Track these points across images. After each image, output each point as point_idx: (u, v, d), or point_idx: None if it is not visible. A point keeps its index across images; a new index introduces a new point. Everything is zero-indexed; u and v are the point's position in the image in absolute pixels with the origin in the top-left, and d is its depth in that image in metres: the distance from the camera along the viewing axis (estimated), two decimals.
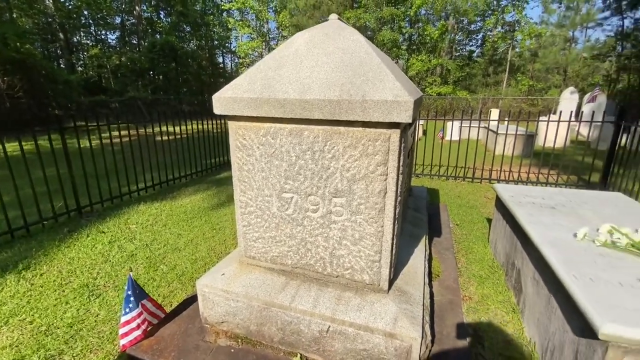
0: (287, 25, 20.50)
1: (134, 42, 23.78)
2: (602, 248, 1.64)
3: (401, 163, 1.31)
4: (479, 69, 21.72)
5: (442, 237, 2.61)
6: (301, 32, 1.51)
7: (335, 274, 1.48)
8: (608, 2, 18.14)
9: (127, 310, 1.57)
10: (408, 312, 1.36)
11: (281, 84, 1.33)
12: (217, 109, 1.42)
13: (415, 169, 5.68)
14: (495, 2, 20.07)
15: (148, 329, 1.65)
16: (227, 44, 28.22)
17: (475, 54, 23.13)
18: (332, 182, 1.35)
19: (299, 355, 1.45)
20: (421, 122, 9.75)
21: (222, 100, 1.39)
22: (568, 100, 10.65)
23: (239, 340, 1.55)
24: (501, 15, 20.26)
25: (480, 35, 22.81)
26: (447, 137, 9.10)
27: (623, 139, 4.11)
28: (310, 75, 1.32)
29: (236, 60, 29.20)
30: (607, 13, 18.47)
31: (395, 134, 1.23)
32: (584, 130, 9.78)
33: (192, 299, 1.93)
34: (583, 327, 1.27)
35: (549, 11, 19.74)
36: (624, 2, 17.36)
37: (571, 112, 5.19)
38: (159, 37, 21.87)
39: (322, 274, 1.50)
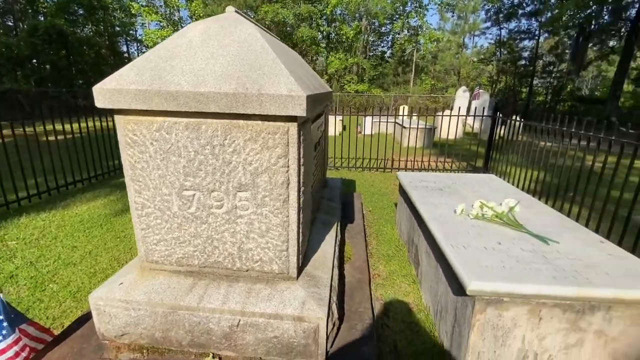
0: (201, 14, 19.25)
1: (10, 23, 19.56)
2: (475, 220, 1.97)
3: (302, 155, 1.37)
4: (390, 69, 23.66)
5: (354, 223, 2.81)
6: (195, 22, 1.45)
7: (245, 268, 1.48)
8: (489, 14, 21.47)
9: (0, 338, 1.33)
10: (316, 295, 1.44)
11: (173, 75, 1.27)
12: (99, 102, 1.28)
13: (335, 162, 5.97)
14: (401, 8, 22.01)
15: (31, 356, 1.43)
16: (131, 31, 25.20)
17: (386, 55, 25.10)
18: (235, 177, 1.34)
19: (210, 355, 1.42)
20: (340, 117, 10.25)
21: (105, 93, 1.26)
22: (461, 97, 12.34)
23: (144, 351, 1.44)
24: (406, 20, 22.33)
25: (390, 38, 24.80)
26: (364, 132, 9.73)
27: (500, 130, 4.93)
28: (205, 68, 1.28)
29: (144, 50, 26.30)
30: (488, 24, 21.87)
31: (294, 127, 1.28)
32: (473, 122, 11.50)
33: (88, 316, 1.71)
34: (459, 287, 1.51)
35: (444, 19, 22.52)
36: (501, 15, 20.77)
37: (460, 107, 6.06)
38: (42, 19, 18.38)
39: (231, 269, 1.49)
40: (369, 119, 10.48)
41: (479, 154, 5.74)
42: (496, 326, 1.38)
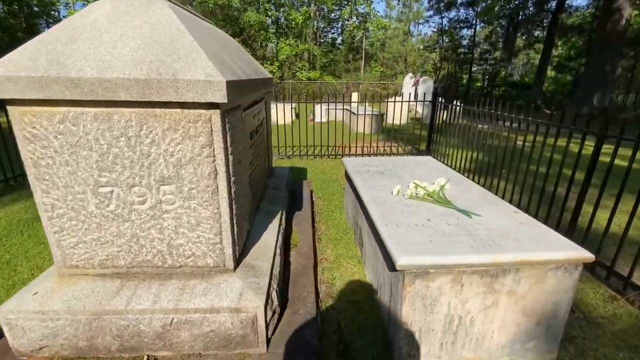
0: None
1: None
2: (409, 200, 2.09)
3: (230, 144, 1.32)
4: (341, 56, 23.81)
5: (302, 211, 2.82)
6: (101, 0, 1.31)
7: (177, 265, 1.42)
8: (431, 2, 22.42)
9: None
10: (254, 284, 1.43)
11: (74, 60, 1.14)
12: None
13: (287, 151, 5.92)
14: None
15: None
16: (53, 12, 22.33)
17: (337, 42, 25.18)
18: (157, 170, 1.26)
19: (145, 357, 1.35)
20: (292, 105, 10.14)
21: None
22: (408, 84, 12.84)
23: None
24: (355, 7, 22.49)
25: (339, 24, 24.85)
26: (317, 119, 9.74)
27: (442, 115, 5.19)
28: (112, 51, 1.17)
29: None
30: (431, 12, 22.84)
31: (216, 114, 1.22)
32: (419, 109, 12.06)
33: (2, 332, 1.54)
34: (392, 264, 1.59)
35: (390, 7, 23.06)
36: (442, 4, 21.78)
37: (410, 94, 6.30)
38: None
39: (163, 267, 1.42)
40: (322, 106, 10.54)
41: (423, 138, 6.06)
42: (425, 296, 1.49)
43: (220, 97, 1.15)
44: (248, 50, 19.13)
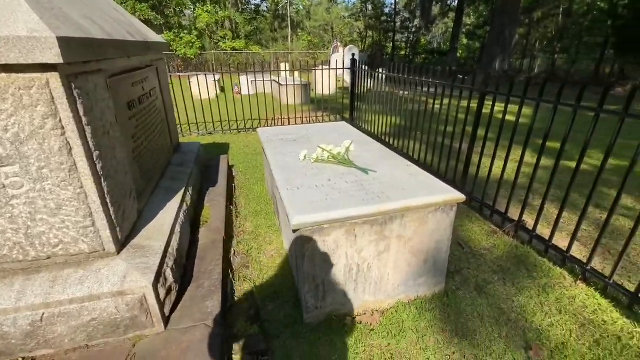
0: None
1: None
2: (315, 164, 2.13)
3: (84, 113, 1.16)
4: (266, 24, 22.67)
5: (217, 186, 2.72)
6: None
7: (45, 256, 1.26)
8: None
9: None
10: (142, 265, 1.34)
11: None
12: None
13: (207, 127, 5.57)
14: None
15: None
16: None
17: (261, 9, 23.81)
18: None
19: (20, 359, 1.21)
20: (215, 78, 9.47)
21: None
22: (335, 53, 12.85)
23: None
24: None
25: None
26: (244, 92, 9.28)
27: (367, 83, 5.18)
28: None
29: None
30: None
31: (55, 78, 1.05)
32: (347, 77, 12.24)
33: None
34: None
35: None
36: None
37: (337, 61, 6.26)
38: None
39: (26, 261, 1.25)
40: (246, 78, 10.04)
41: (348, 107, 6.18)
42: (323, 251, 1.56)
43: (53, 56, 0.98)
44: (160, 18, 17.08)
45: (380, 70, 4.55)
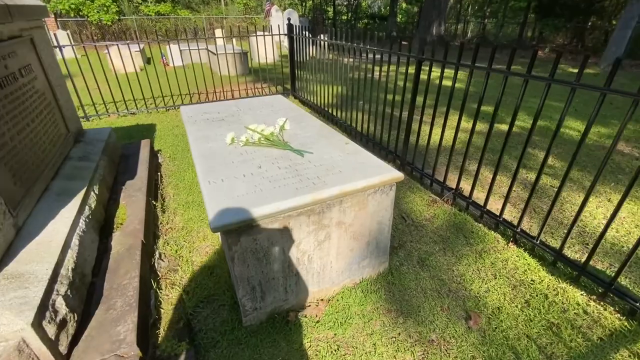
0: None
1: None
2: (245, 147, 1.88)
3: None
4: None
5: (136, 179, 2.35)
6: None
7: None
8: None
9: None
10: (17, 300, 1.05)
11: None
12: None
13: (128, 106, 4.86)
14: None
15: None
16: None
17: None
18: None
19: None
20: (138, 48, 8.32)
21: None
22: (275, 17, 11.99)
23: None
24: None
25: None
26: (172, 63, 8.32)
27: (312, 50, 4.78)
28: None
29: None
30: None
31: None
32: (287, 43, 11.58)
33: None
34: None
35: None
36: None
37: (279, 26, 5.68)
38: None
39: None
40: (175, 47, 9.00)
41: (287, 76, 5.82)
42: (255, 250, 1.39)
43: None
44: None
45: (322, 37, 4.25)
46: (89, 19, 14.40)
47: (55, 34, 5.51)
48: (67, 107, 2.16)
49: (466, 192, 2.49)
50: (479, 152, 2.54)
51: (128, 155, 2.70)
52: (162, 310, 1.58)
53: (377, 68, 3.10)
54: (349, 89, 3.75)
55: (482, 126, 3.82)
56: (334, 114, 4.19)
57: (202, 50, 8.61)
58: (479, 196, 2.56)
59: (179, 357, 1.33)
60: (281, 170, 1.59)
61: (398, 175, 1.57)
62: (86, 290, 1.39)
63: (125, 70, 5.04)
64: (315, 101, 4.62)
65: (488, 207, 2.27)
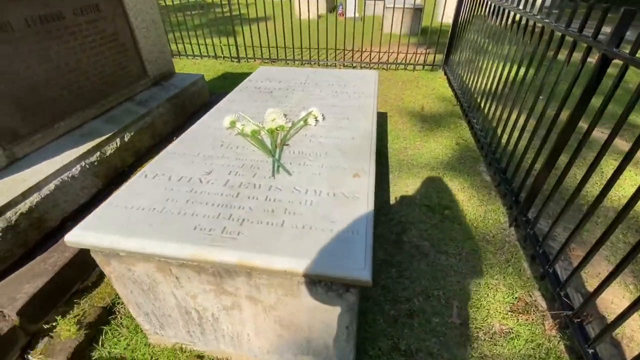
0: None
1: None
2: (238, 137, 1.48)
3: None
4: None
5: None
6: None
7: None
8: None
9: None
10: None
11: None
12: None
13: (279, 53, 5.04)
14: None
15: None
16: None
17: None
18: None
19: None
20: None
21: None
22: None
23: None
24: None
25: None
26: (348, 14, 8.11)
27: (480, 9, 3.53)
28: None
29: None
30: None
31: None
32: None
33: None
34: None
35: None
36: None
37: None
38: None
39: None
40: None
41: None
42: (135, 280, 1.08)
43: None
44: None
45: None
46: None
47: None
48: (151, 51, 2.27)
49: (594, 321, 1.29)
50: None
51: (212, 104, 2.75)
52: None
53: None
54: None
55: None
56: (477, 108, 3.02)
57: (379, 1, 7.94)
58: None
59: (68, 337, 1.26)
60: (222, 189, 1.14)
61: (362, 278, 0.83)
62: (37, 237, 1.46)
63: (301, 15, 5.09)
64: (469, 81, 3.42)
65: None
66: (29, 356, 1.24)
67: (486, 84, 2.71)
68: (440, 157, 2.64)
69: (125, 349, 1.35)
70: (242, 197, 1.09)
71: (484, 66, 2.78)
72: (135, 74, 2.17)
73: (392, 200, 2.18)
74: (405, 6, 6.21)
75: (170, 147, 1.41)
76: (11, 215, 1.34)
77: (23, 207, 1.38)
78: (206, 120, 1.63)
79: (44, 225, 1.48)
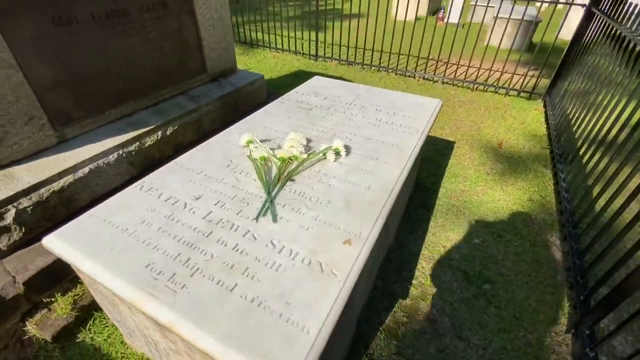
0: None
1: None
2: (248, 159, 1.38)
3: None
4: None
5: None
6: None
7: None
8: None
9: None
10: None
11: None
12: None
13: (364, 57, 4.84)
14: None
15: None
16: None
17: None
18: None
19: None
20: None
21: None
22: None
23: None
24: None
25: None
26: (451, 19, 7.41)
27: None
28: None
29: None
30: None
31: None
32: None
33: None
34: None
35: None
36: None
37: None
38: None
39: None
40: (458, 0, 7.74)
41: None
42: (102, 293, 1.08)
43: None
44: None
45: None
46: None
47: None
48: (214, 48, 2.32)
49: None
50: None
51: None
52: None
53: None
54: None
55: None
56: (572, 158, 2.43)
57: (491, 8, 7.03)
58: None
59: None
60: (198, 222, 1.06)
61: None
62: (65, 214, 1.59)
63: (397, 16, 4.84)
64: (559, 122, 2.80)
65: None
66: (27, 322, 1.37)
67: (597, 127, 2.12)
68: (503, 212, 2.19)
69: (105, 340, 1.40)
70: (212, 238, 1.00)
71: (604, 102, 2.17)
72: (194, 70, 2.25)
73: (423, 253, 1.87)
74: (524, 18, 5.34)
75: (181, 158, 1.39)
76: (44, 192, 1.48)
77: (56, 185, 1.53)
78: (230, 133, 1.58)
79: (73, 205, 1.62)
